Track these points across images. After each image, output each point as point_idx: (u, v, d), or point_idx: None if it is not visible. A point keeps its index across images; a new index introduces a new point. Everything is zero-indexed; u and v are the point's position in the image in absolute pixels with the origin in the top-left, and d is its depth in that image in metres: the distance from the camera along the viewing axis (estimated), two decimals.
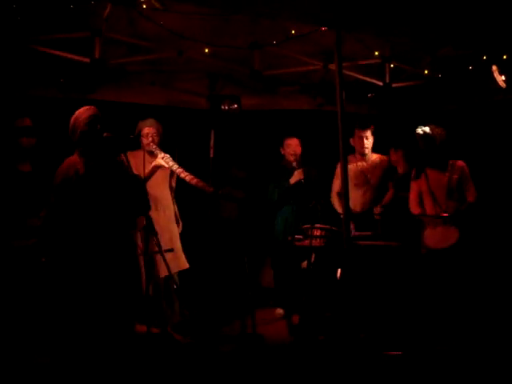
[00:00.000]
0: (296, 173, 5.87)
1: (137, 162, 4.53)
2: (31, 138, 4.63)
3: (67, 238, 3.73)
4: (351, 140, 5.77)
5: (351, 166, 5.68)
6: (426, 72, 5.60)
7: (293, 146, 6.02)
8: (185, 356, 4.63)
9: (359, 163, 5.80)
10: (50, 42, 4.69)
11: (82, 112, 3.83)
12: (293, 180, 5.89)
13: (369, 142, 5.75)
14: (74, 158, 3.83)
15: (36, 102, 5.36)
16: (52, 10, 4.24)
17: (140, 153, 4.80)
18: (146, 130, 4.93)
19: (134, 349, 4.23)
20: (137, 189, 3.95)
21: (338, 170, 5.60)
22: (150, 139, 4.88)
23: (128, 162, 3.87)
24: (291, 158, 6.00)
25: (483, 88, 6.01)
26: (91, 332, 3.70)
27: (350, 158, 5.73)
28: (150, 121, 5.04)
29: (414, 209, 5.23)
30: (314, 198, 5.41)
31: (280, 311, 6.02)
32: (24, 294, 4.27)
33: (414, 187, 5.28)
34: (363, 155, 5.79)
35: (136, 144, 4.95)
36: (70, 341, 3.71)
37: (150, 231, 3.82)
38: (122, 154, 3.97)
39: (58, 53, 4.75)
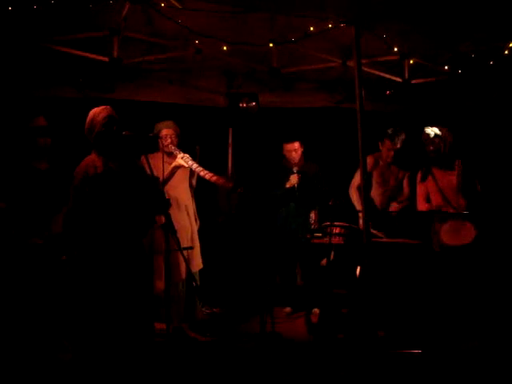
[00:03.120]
0: (291, 177, 5.87)
1: (156, 164, 4.55)
2: (47, 138, 4.65)
3: (86, 236, 3.74)
4: (380, 144, 5.83)
5: (378, 166, 5.88)
6: (445, 68, 5.54)
7: (292, 151, 5.99)
8: (204, 354, 4.64)
9: (384, 165, 5.88)
10: (68, 42, 4.72)
11: (98, 112, 3.82)
12: (288, 184, 5.92)
13: (391, 154, 5.81)
14: (92, 157, 3.84)
15: (55, 102, 5.40)
16: (71, 9, 4.26)
17: (158, 155, 4.82)
18: (164, 132, 4.94)
19: (154, 347, 4.26)
20: (153, 189, 3.98)
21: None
22: (169, 141, 4.90)
23: (149, 164, 3.88)
24: (292, 161, 6.02)
25: (504, 84, 5.95)
26: (110, 329, 3.72)
27: (376, 155, 5.89)
28: (168, 122, 5.05)
29: (423, 208, 5.32)
30: (333, 196, 5.38)
31: (287, 309, 6.03)
32: (41, 291, 4.29)
33: (421, 188, 5.34)
34: (388, 163, 5.87)
35: (154, 146, 4.95)
36: (89, 337, 3.73)
37: (169, 230, 3.82)
38: (143, 157, 3.98)
39: (76, 52, 4.78)
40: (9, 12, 4.11)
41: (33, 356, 4.11)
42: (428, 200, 5.33)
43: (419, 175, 5.41)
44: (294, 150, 5.98)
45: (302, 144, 6.02)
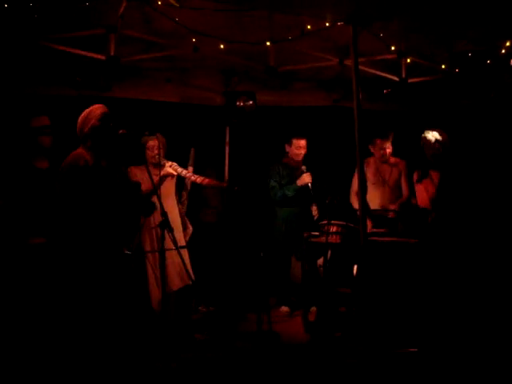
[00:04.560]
0: (304, 176, 5.86)
1: (142, 176, 4.57)
2: (49, 137, 4.65)
3: (72, 230, 3.73)
4: (370, 147, 5.80)
5: (370, 167, 5.84)
6: (443, 67, 5.55)
7: (302, 148, 6.01)
8: (203, 353, 4.64)
9: (378, 165, 5.86)
10: (65, 40, 4.70)
11: (95, 109, 3.84)
12: (300, 182, 5.90)
13: (387, 152, 5.79)
14: (80, 151, 3.83)
15: (52, 101, 5.39)
16: (67, 7, 4.25)
17: (144, 167, 4.81)
18: (150, 143, 4.91)
19: (149, 347, 4.26)
20: (136, 193, 4.01)
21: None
22: (156, 152, 4.86)
23: (149, 173, 3.91)
24: (297, 158, 6.01)
25: (501, 83, 5.96)
26: (101, 327, 3.71)
27: (370, 159, 5.89)
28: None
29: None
30: (330, 194, 5.38)
31: (285, 309, 6.03)
32: (39, 291, 4.27)
33: (419, 189, 5.33)
34: (382, 162, 5.84)
35: (142, 158, 4.92)
36: (80, 336, 3.72)
37: (166, 227, 3.82)
38: (144, 167, 4.06)
39: (73, 50, 4.76)
40: (4, 9, 4.10)
41: (29, 355, 4.10)
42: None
43: (415, 176, 5.43)
44: (303, 146, 6.02)
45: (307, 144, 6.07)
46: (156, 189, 4.55)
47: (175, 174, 4.76)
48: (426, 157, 5.32)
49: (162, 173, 4.72)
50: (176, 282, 4.78)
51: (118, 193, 3.87)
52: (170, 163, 4.76)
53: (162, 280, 4.03)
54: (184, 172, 4.76)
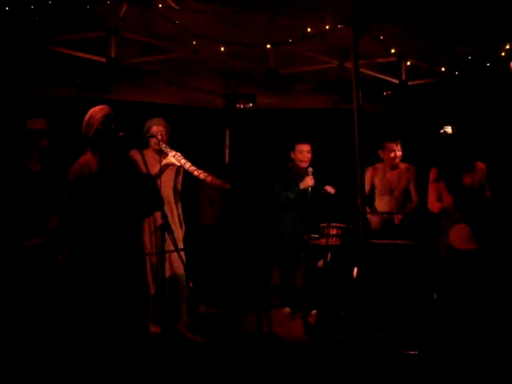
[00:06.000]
0: (308, 178, 5.83)
1: (140, 162, 4.51)
2: (45, 140, 4.64)
3: (81, 236, 3.74)
4: (380, 152, 5.79)
5: (378, 174, 5.82)
6: (442, 69, 5.56)
7: (304, 152, 5.97)
8: (203, 355, 4.64)
9: (386, 172, 5.82)
10: (66, 43, 4.72)
11: (97, 111, 3.82)
12: (303, 185, 5.87)
13: (398, 155, 5.74)
14: (88, 157, 3.82)
15: (52, 102, 5.40)
16: (68, 9, 4.26)
17: (148, 152, 4.78)
18: (154, 129, 4.89)
19: (148, 347, 4.25)
20: (148, 186, 3.95)
21: (366, 176, 5.65)
22: (159, 138, 4.76)
23: (144, 159, 3.86)
24: (301, 164, 5.97)
25: (499, 85, 5.97)
26: (106, 328, 3.72)
27: (379, 165, 5.85)
28: (159, 119, 5.00)
29: (435, 207, 5.21)
30: (329, 199, 5.38)
31: (287, 310, 6.03)
32: (34, 292, 4.28)
33: (434, 188, 5.25)
34: (392, 166, 5.80)
35: (144, 143, 4.90)
36: (82, 337, 3.73)
37: (167, 230, 3.82)
38: (138, 152, 3.98)
39: (74, 53, 4.78)
40: (6, 12, 4.11)
41: (28, 355, 4.11)
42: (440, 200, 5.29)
43: (433, 174, 5.32)
44: (307, 151, 5.92)
45: (312, 149, 6.01)
46: (156, 177, 4.52)
47: (178, 164, 4.55)
48: (444, 154, 5.24)
49: (164, 162, 4.58)
50: (166, 270, 4.75)
51: (126, 193, 3.86)
52: (173, 152, 4.55)
53: (162, 277, 4.04)
54: (187, 165, 4.47)
